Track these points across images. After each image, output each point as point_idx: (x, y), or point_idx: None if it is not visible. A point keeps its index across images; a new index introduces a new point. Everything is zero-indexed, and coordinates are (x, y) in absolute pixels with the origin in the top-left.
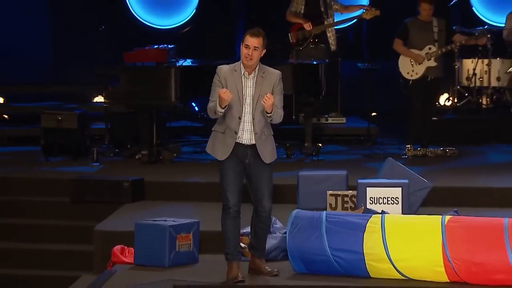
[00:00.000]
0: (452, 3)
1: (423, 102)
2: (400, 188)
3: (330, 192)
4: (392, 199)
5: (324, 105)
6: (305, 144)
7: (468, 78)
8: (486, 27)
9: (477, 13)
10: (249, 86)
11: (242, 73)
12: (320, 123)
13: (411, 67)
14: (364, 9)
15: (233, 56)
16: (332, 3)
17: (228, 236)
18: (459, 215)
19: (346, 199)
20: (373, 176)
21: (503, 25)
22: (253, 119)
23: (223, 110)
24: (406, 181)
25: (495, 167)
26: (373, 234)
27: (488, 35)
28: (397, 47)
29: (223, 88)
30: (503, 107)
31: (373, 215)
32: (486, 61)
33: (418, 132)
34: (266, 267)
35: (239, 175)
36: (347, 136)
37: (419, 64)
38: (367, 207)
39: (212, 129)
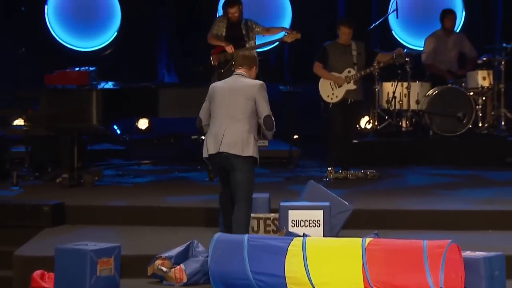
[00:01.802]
0: (371, 27)
1: (343, 125)
2: (322, 211)
3: (252, 215)
4: (314, 222)
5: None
6: None
7: (388, 101)
8: (405, 50)
9: (396, 36)
10: None
11: None
12: None
13: (331, 90)
14: (285, 32)
15: (155, 78)
16: (254, 25)
17: None
18: (379, 238)
19: (268, 222)
20: (295, 198)
21: (421, 48)
22: None
23: None
24: (327, 204)
25: (415, 190)
26: (295, 257)
27: (405, 50)
28: (317, 70)
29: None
30: (422, 130)
31: (294, 238)
32: (405, 84)
33: (339, 155)
34: None
35: None
36: (269, 159)
37: (339, 87)
38: (289, 230)
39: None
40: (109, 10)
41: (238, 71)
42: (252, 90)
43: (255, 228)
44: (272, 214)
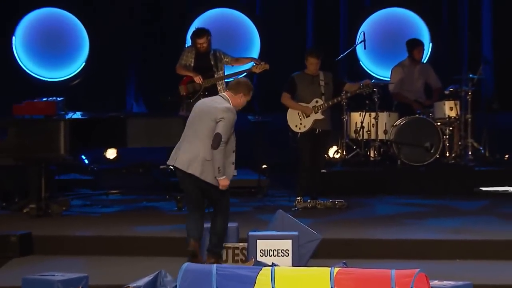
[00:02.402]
0: (339, 57)
1: (312, 155)
2: (290, 240)
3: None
4: (282, 251)
5: None
6: None
7: (356, 131)
8: (373, 81)
9: (364, 67)
10: None
11: None
12: None
13: (299, 120)
14: (254, 63)
15: (123, 108)
16: (222, 56)
17: None
18: (347, 267)
19: (236, 251)
20: (264, 228)
21: (388, 79)
22: None
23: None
24: (296, 233)
25: (383, 219)
26: (263, 286)
27: (372, 81)
28: (285, 100)
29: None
30: (390, 159)
31: (263, 268)
32: (373, 114)
33: (307, 184)
34: None
35: None
36: (238, 188)
37: (306, 117)
38: (258, 259)
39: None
40: (77, 40)
41: (223, 93)
42: (217, 112)
43: (224, 258)
44: (241, 244)
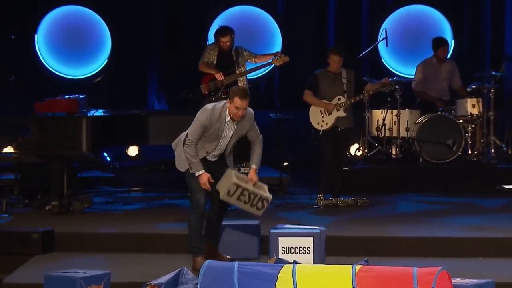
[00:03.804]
0: (361, 54)
1: (333, 152)
2: (312, 238)
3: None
4: (304, 248)
5: (237, 154)
6: None
7: (378, 129)
8: (395, 78)
9: (386, 65)
10: (231, 129)
11: (228, 120)
12: None
13: (321, 118)
14: (276, 56)
15: (145, 105)
16: (244, 53)
17: None
18: (369, 265)
19: (244, 192)
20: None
21: (411, 76)
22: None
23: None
24: (317, 230)
25: (405, 217)
26: (285, 284)
27: (390, 79)
28: (307, 97)
29: (208, 128)
30: (411, 157)
31: (284, 265)
32: (395, 111)
33: (329, 182)
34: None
35: None
36: None
37: (329, 114)
38: (279, 257)
39: (179, 151)
40: (100, 37)
41: None
42: None
43: (231, 193)
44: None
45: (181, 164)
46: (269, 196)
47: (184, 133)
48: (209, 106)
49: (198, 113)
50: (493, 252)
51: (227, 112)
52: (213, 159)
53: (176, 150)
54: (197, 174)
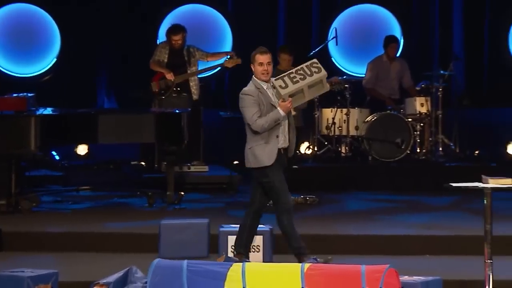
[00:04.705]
0: (311, 53)
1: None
2: (261, 236)
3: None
4: (253, 247)
5: (187, 153)
6: (167, 193)
7: (327, 127)
8: (344, 77)
9: (336, 63)
10: (273, 95)
11: (265, 87)
12: (183, 172)
13: None
14: (228, 56)
15: (95, 104)
16: (196, 52)
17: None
18: (318, 263)
19: (292, 75)
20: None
21: (361, 75)
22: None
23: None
24: (267, 229)
25: (354, 215)
26: (234, 282)
27: (340, 78)
28: None
29: (260, 104)
30: (361, 155)
31: (234, 264)
32: (345, 110)
33: None
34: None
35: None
36: (210, 185)
37: None
38: (229, 255)
39: (249, 147)
40: (49, 35)
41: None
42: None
43: (283, 86)
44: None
45: (258, 161)
46: (313, 60)
47: (248, 131)
48: (242, 90)
49: (240, 101)
50: (440, 250)
51: (258, 82)
52: (282, 146)
53: (247, 150)
54: (281, 113)
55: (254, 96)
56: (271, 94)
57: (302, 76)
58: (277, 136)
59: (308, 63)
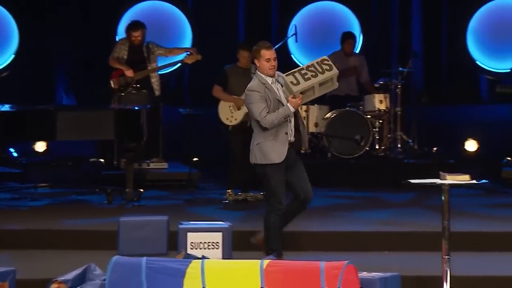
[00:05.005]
0: None
1: (243, 148)
2: (221, 233)
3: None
4: (213, 244)
5: (146, 150)
6: (126, 190)
7: None
8: None
9: (295, 60)
10: (279, 89)
11: (270, 82)
12: (142, 169)
13: (230, 113)
14: (188, 52)
15: (53, 101)
16: (155, 48)
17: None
18: (277, 259)
19: (303, 71)
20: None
21: None
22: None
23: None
24: (226, 225)
25: (313, 211)
26: (193, 280)
27: None
28: (217, 93)
29: (266, 100)
30: (320, 152)
31: (193, 261)
32: (304, 107)
33: (238, 177)
34: None
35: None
36: (169, 182)
37: (238, 110)
38: (188, 252)
39: (256, 143)
40: (7, 32)
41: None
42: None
43: (295, 82)
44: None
45: (267, 158)
46: (323, 57)
47: (255, 127)
48: (248, 87)
49: (246, 98)
50: (399, 246)
51: (263, 77)
52: (292, 139)
53: (254, 146)
54: (291, 109)
55: (261, 92)
56: (276, 89)
57: (313, 73)
58: (286, 133)
59: (319, 60)
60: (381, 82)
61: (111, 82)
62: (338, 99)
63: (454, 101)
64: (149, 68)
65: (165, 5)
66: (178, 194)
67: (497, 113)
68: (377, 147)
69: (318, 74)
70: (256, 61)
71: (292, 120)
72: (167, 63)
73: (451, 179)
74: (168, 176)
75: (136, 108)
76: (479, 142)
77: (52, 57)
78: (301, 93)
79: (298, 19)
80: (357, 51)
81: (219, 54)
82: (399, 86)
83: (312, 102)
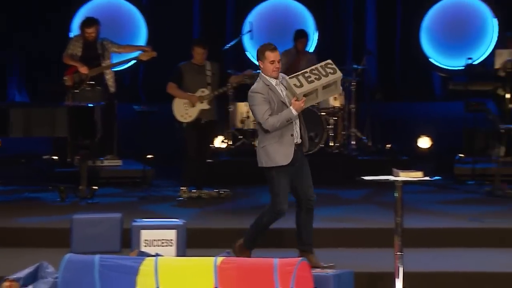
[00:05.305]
0: (226, 47)
1: (197, 145)
2: (175, 230)
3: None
4: (166, 241)
5: (100, 147)
6: (80, 187)
7: (242, 121)
8: (259, 71)
9: (251, 57)
10: (283, 91)
11: (274, 83)
12: (96, 166)
13: (185, 110)
14: (142, 50)
15: (5, 98)
16: (109, 45)
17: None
18: (231, 256)
19: (307, 74)
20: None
21: None
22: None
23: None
24: (180, 223)
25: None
26: (147, 277)
27: (254, 72)
28: (171, 90)
29: (270, 102)
30: None
31: (146, 258)
32: None
33: (192, 174)
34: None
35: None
36: (123, 179)
37: (192, 107)
38: (142, 249)
39: (261, 146)
40: None
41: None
42: None
43: (298, 84)
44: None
45: (272, 160)
46: (327, 60)
47: (259, 130)
48: (251, 89)
49: (249, 99)
50: (352, 243)
51: (267, 78)
52: (297, 142)
53: (260, 149)
54: (294, 112)
55: (264, 94)
56: (280, 91)
57: (317, 76)
58: (292, 135)
59: (323, 63)
60: None
61: (65, 79)
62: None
63: (408, 98)
64: (103, 65)
65: (120, 2)
66: (132, 191)
67: (450, 110)
68: (331, 144)
69: (322, 77)
70: (260, 63)
71: (298, 121)
72: (122, 59)
73: (404, 176)
74: (122, 174)
75: (90, 105)
76: (432, 139)
77: (4, 54)
78: (304, 95)
79: (253, 16)
80: (312, 48)
81: (174, 51)
82: (353, 84)
83: None
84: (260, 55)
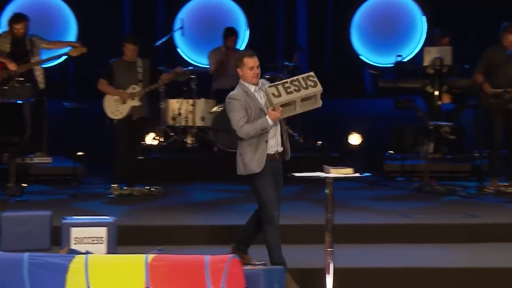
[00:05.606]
0: (157, 43)
1: (128, 142)
2: (105, 228)
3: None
4: (97, 238)
5: (30, 144)
6: (9, 185)
7: (173, 118)
8: (190, 67)
9: (182, 54)
10: (262, 98)
11: (253, 90)
12: (25, 163)
13: (115, 107)
14: (72, 46)
15: None
16: (38, 41)
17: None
18: (163, 253)
19: (286, 85)
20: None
21: (207, 66)
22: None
23: (273, 124)
24: (111, 220)
25: (199, 205)
26: (77, 275)
27: (184, 69)
28: (102, 86)
29: (247, 108)
30: (207, 146)
31: (76, 256)
32: (191, 101)
33: (123, 171)
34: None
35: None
36: (53, 176)
37: (123, 104)
38: (72, 247)
39: (239, 153)
40: None
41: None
42: None
43: (276, 94)
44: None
45: (247, 168)
46: (310, 73)
47: (238, 140)
48: (229, 95)
49: (227, 106)
50: (284, 239)
51: (246, 85)
52: (274, 150)
53: (238, 156)
54: (269, 122)
55: (241, 101)
56: (260, 98)
57: (296, 88)
58: (266, 142)
59: (305, 75)
60: (267, 77)
61: None
62: (224, 93)
63: (339, 95)
64: (32, 61)
65: None
66: (62, 189)
67: (380, 107)
68: None
69: (302, 89)
70: (239, 70)
71: (279, 129)
72: (52, 56)
73: (334, 173)
74: (52, 171)
75: (19, 101)
76: (362, 136)
77: None
78: (282, 106)
79: (184, 13)
80: (244, 45)
81: (105, 48)
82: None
83: (199, 96)
84: (239, 62)
